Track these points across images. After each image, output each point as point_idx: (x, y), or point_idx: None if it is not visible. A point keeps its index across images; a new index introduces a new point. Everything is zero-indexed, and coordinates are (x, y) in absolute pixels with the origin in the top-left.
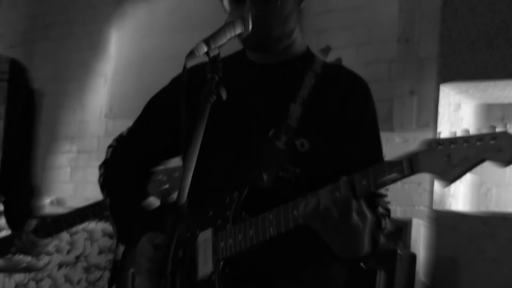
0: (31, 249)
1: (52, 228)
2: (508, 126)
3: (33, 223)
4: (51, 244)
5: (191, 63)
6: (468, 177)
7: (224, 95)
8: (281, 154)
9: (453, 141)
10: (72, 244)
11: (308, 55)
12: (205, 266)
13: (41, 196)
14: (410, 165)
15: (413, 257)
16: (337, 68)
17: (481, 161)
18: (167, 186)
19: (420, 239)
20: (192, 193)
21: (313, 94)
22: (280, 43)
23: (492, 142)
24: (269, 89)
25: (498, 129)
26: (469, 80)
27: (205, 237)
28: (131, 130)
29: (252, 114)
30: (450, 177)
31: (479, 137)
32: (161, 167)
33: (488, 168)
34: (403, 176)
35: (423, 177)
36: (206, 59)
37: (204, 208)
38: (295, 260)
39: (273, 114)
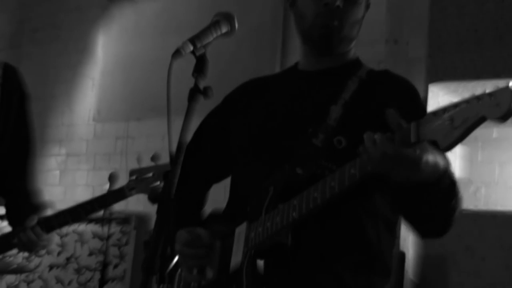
0: (35, 244)
1: (55, 222)
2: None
3: (35, 218)
4: (54, 240)
5: (177, 62)
6: (457, 176)
7: (211, 94)
8: (317, 151)
9: (457, 104)
10: (62, 246)
11: (356, 63)
12: (236, 257)
13: (43, 198)
14: (416, 132)
15: (402, 256)
16: (383, 72)
17: (481, 119)
18: (158, 183)
19: (409, 237)
20: (235, 192)
21: (355, 96)
22: (343, 44)
23: (491, 98)
24: (313, 93)
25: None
26: (458, 80)
27: (240, 230)
28: (187, 146)
29: (295, 117)
30: (451, 139)
31: (479, 96)
32: (152, 164)
33: (477, 167)
34: (409, 143)
35: None
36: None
37: (244, 204)
38: (335, 261)
39: (314, 116)
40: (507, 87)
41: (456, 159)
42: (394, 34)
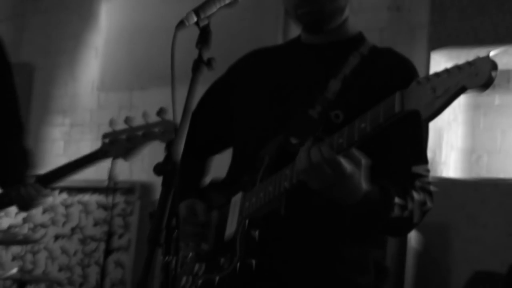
0: (34, 200)
1: (52, 177)
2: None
3: (32, 175)
4: (49, 197)
5: (181, 32)
6: (459, 144)
7: (215, 65)
8: (312, 122)
9: (439, 74)
10: (67, 216)
11: (358, 38)
12: (230, 227)
13: (36, 159)
14: (401, 101)
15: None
16: (385, 50)
17: (462, 89)
18: (131, 145)
19: None
20: (235, 160)
21: (355, 72)
22: (333, 19)
23: (471, 67)
24: (313, 66)
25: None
26: (460, 46)
27: (235, 200)
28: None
29: (295, 89)
30: (433, 109)
31: (460, 66)
32: (126, 127)
33: (479, 134)
34: (394, 113)
35: None
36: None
37: (241, 173)
38: (329, 231)
39: (313, 88)
40: (487, 56)
41: (459, 127)
42: (396, 1)
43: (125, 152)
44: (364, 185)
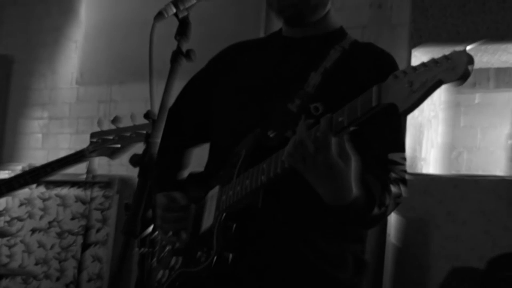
0: None
1: (15, 182)
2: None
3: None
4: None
5: (161, 27)
6: (439, 141)
7: (194, 57)
8: (291, 116)
9: (416, 68)
10: (44, 210)
11: (340, 33)
12: (207, 221)
13: None
14: (378, 95)
15: (383, 220)
16: (366, 45)
17: (438, 83)
18: (118, 145)
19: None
20: (211, 156)
21: (336, 65)
22: (316, 12)
23: (448, 61)
24: (294, 60)
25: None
26: (441, 44)
27: (212, 194)
28: (170, 108)
29: (275, 83)
30: (409, 103)
31: (437, 60)
32: (113, 127)
33: (459, 132)
34: (371, 107)
35: None
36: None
37: (218, 168)
38: (307, 226)
39: (293, 81)
40: (464, 50)
41: (439, 124)
42: None
43: (112, 152)
44: (355, 189)
